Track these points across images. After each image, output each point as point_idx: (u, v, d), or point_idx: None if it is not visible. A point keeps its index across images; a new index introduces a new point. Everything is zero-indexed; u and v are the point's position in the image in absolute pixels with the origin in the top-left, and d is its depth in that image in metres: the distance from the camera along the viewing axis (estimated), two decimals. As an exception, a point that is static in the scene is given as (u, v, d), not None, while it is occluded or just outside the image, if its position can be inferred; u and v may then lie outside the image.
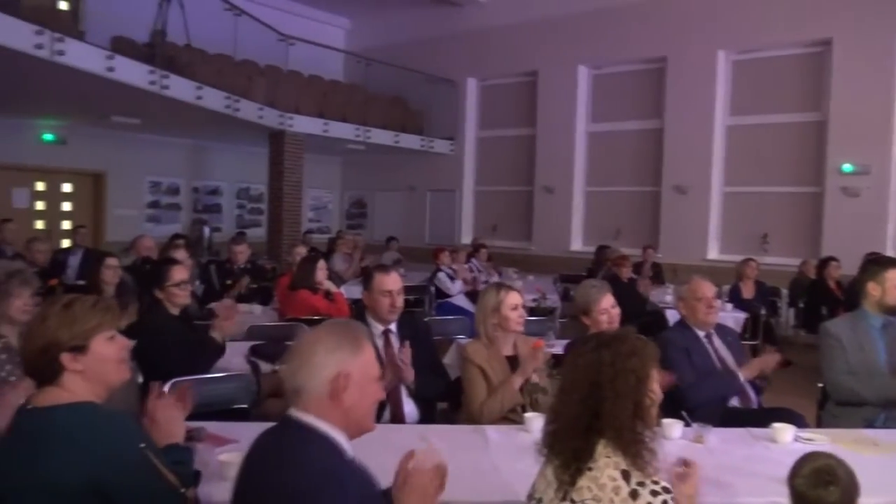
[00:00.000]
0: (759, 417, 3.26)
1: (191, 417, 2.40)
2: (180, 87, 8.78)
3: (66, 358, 1.84)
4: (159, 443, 2.03)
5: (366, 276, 3.78)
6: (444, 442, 2.82)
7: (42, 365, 1.84)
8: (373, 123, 12.72)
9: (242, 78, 10.68)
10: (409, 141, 13.39)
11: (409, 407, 3.41)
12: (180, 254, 6.30)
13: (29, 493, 1.73)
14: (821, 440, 2.88)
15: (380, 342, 3.48)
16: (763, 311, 7.36)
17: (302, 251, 7.01)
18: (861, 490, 1.80)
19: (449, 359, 4.39)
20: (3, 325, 3.05)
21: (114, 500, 1.75)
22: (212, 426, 2.75)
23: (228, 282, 7.00)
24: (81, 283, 6.30)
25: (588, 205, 12.55)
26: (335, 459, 1.72)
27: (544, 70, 12.66)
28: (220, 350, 3.84)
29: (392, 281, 3.53)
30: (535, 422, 2.82)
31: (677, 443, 2.84)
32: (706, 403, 3.39)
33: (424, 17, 13.97)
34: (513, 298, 3.44)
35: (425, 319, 5.78)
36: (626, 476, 1.74)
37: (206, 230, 12.16)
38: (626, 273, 8.05)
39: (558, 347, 3.95)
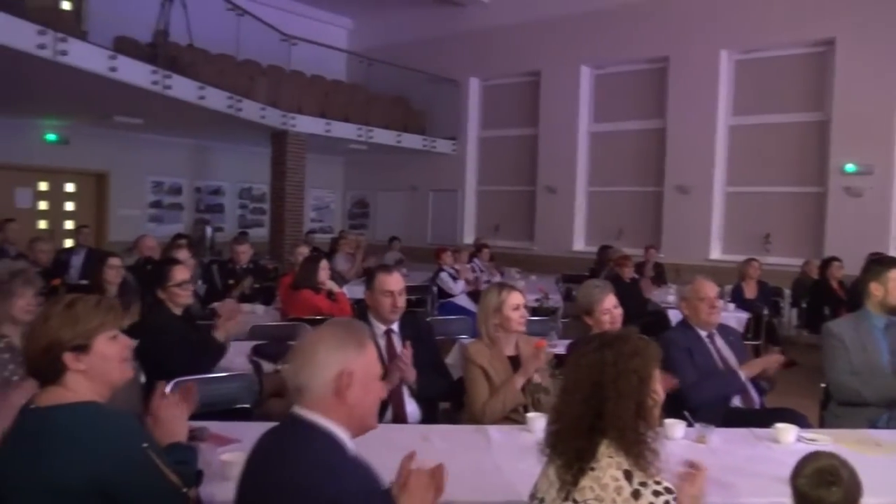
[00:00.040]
0: (762, 418, 3.25)
1: (193, 417, 2.40)
2: (183, 87, 8.79)
3: (68, 357, 1.84)
4: (162, 442, 2.03)
5: (368, 276, 3.78)
6: (447, 442, 2.83)
7: (45, 365, 1.85)
8: (375, 123, 12.73)
9: (245, 78, 10.68)
10: (412, 141, 13.39)
11: (412, 407, 3.41)
12: (182, 254, 6.32)
13: (32, 492, 1.73)
14: (823, 440, 2.88)
15: (382, 342, 3.48)
16: (765, 312, 7.36)
17: (304, 251, 7.02)
18: (863, 490, 1.79)
19: (451, 359, 4.39)
20: (6, 325, 3.06)
21: (116, 499, 1.75)
22: (214, 426, 2.75)
23: (230, 282, 7.01)
24: (84, 282, 6.31)
25: (590, 205, 12.55)
26: (338, 455, 1.73)
27: (547, 70, 12.66)
28: (222, 350, 3.84)
29: (394, 281, 3.53)
30: (538, 422, 2.82)
31: (680, 443, 2.84)
32: (708, 403, 3.38)
33: (427, 17, 13.97)
34: (514, 299, 3.43)
35: (427, 319, 5.78)
36: (628, 476, 1.74)
37: (209, 230, 12.17)
38: (629, 273, 8.05)
39: (560, 347, 3.96)
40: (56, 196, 11.85)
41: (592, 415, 1.79)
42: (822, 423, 3.63)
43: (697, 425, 2.94)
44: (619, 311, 3.66)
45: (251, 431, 2.04)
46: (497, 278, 9.04)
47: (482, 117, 14.02)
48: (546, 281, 9.32)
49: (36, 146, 11.04)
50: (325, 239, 12.51)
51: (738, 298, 7.80)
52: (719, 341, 3.73)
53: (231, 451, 2.46)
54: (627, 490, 1.72)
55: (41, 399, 1.84)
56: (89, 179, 12.10)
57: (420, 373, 3.36)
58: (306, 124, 11.58)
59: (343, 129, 12.18)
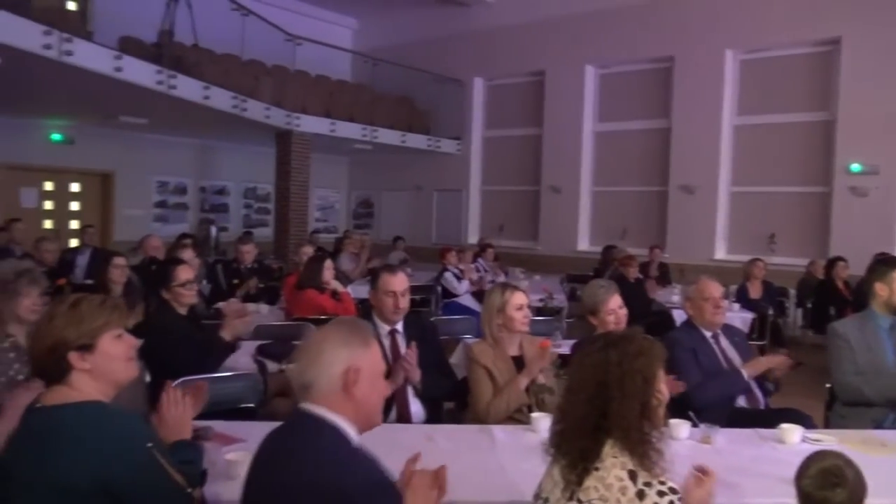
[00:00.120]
0: (767, 418, 3.24)
1: (198, 417, 2.40)
2: (188, 87, 8.81)
3: (73, 357, 1.85)
4: (166, 440, 2.04)
5: (373, 276, 3.78)
6: (451, 442, 2.83)
7: (50, 364, 1.85)
8: (380, 123, 12.73)
9: (249, 78, 10.70)
10: (416, 141, 13.40)
11: (416, 407, 3.41)
12: (187, 253, 6.33)
13: (37, 491, 1.74)
14: (828, 441, 2.87)
15: (386, 342, 3.48)
16: (770, 312, 7.34)
17: (309, 251, 7.03)
18: (868, 491, 1.79)
19: (455, 359, 4.38)
20: (12, 325, 3.06)
21: (121, 498, 1.76)
22: (219, 425, 2.76)
23: (235, 281, 7.03)
24: (89, 282, 6.34)
25: (595, 205, 12.53)
26: (345, 449, 1.74)
27: (551, 70, 12.65)
28: (229, 349, 3.86)
29: (397, 282, 3.51)
30: (542, 422, 2.82)
31: (685, 443, 2.84)
32: (713, 404, 3.38)
33: (431, 17, 13.98)
34: (518, 299, 3.43)
35: (432, 319, 5.77)
36: (632, 476, 1.74)
37: (213, 230, 12.18)
38: (633, 273, 8.04)
39: (565, 347, 3.95)
40: (61, 196, 11.89)
41: (597, 415, 1.79)
42: (828, 424, 3.62)
43: (702, 425, 2.93)
44: (623, 312, 3.66)
45: (256, 431, 2.05)
46: (501, 278, 9.04)
47: (487, 117, 14.02)
48: (550, 281, 9.31)
49: (41, 146, 11.08)
50: (329, 239, 12.55)
51: (742, 299, 7.78)
52: (724, 342, 3.72)
53: (236, 450, 2.46)
54: (632, 490, 1.72)
55: (47, 398, 1.85)
56: (94, 179, 12.13)
57: (424, 373, 3.35)
58: (311, 124, 11.59)
59: (348, 129, 12.19)
